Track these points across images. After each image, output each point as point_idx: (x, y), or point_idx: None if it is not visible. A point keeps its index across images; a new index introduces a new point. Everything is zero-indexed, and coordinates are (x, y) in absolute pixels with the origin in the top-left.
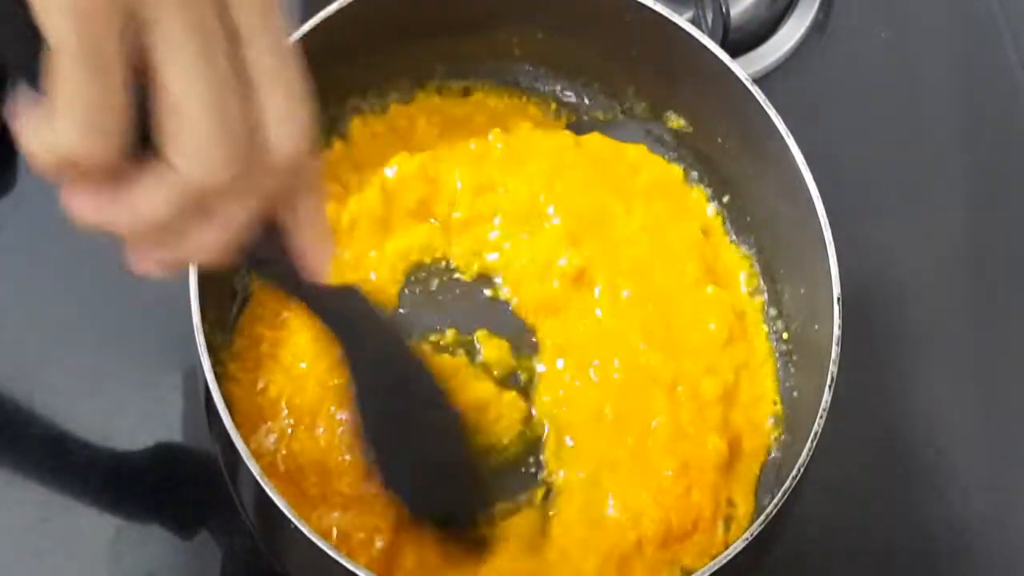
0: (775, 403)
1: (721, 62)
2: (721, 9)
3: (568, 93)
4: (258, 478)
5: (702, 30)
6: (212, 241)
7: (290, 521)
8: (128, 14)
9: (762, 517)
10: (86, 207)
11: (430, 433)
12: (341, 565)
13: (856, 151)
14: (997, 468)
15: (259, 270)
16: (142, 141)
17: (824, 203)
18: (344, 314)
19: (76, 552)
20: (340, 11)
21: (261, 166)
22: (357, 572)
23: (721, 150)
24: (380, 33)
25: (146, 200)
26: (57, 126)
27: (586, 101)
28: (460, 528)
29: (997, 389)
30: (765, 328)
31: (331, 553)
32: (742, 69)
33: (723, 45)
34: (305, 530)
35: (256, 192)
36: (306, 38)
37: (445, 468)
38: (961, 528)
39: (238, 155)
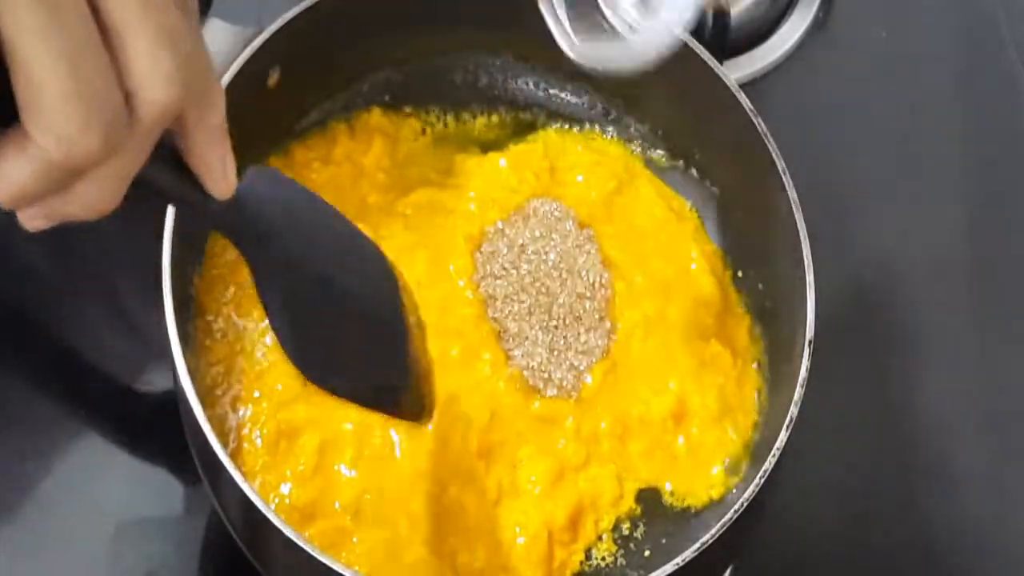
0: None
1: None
2: (721, 8)
3: (532, 88)
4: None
5: (703, 30)
6: (98, 197)
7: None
8: None
9: (731, 511)
10: None
11: (361, 321)
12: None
13: (855, 150)
14: (997, 468)
15: (158, 196)
16: (5, 112)
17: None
18: (259, 219)
19: (76, 551)
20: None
21: (133, 120)
22: (334, 567)
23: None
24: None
25: (13, 174)
26: None
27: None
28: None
29: (997, 389)
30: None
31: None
32: (742, 69)
33: (723, 44)
34: (290, 533)
35: (137, 143)
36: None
37: (376, 361)
38: (961, 528)
39: (100, 120)
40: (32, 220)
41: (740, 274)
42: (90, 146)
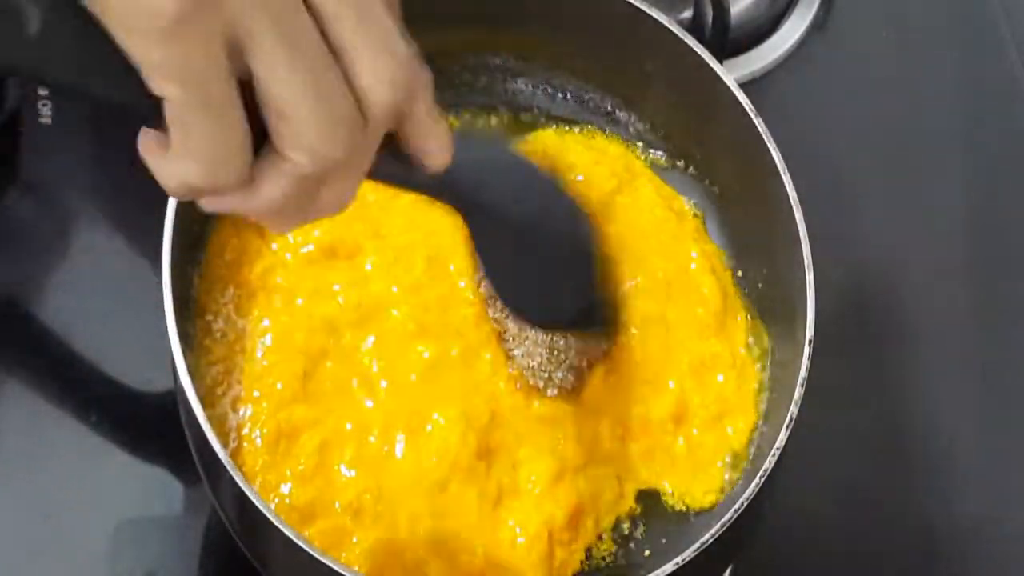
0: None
1: (710, 67)
2: (721, 8)
3: (532, 88)
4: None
5: (703, 29)
6: (338, 199)
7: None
8: (225, 43)
9: (731, 511)
10: (218, 207)
11: (559, 260)
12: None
13: (855, 150)
14: (997, 468)
15: (384, 182)
16: (257, 137)
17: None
18: (469, 186)
19: (75, 550)
20: None
21: (368, 126)
22: (334, 567)
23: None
24: None
25: (269, 191)
26: (182, 166)
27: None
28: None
29: (997, 388)
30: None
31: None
32: (742, 69)
33: (723, 44)
34: (287, 530)
35: (370, 143)
36: None
37: (574, 292)
38: (961, 528)
39: (346, 135)
40: (277, 227)
41: (740, 274)
42: (336, 154)
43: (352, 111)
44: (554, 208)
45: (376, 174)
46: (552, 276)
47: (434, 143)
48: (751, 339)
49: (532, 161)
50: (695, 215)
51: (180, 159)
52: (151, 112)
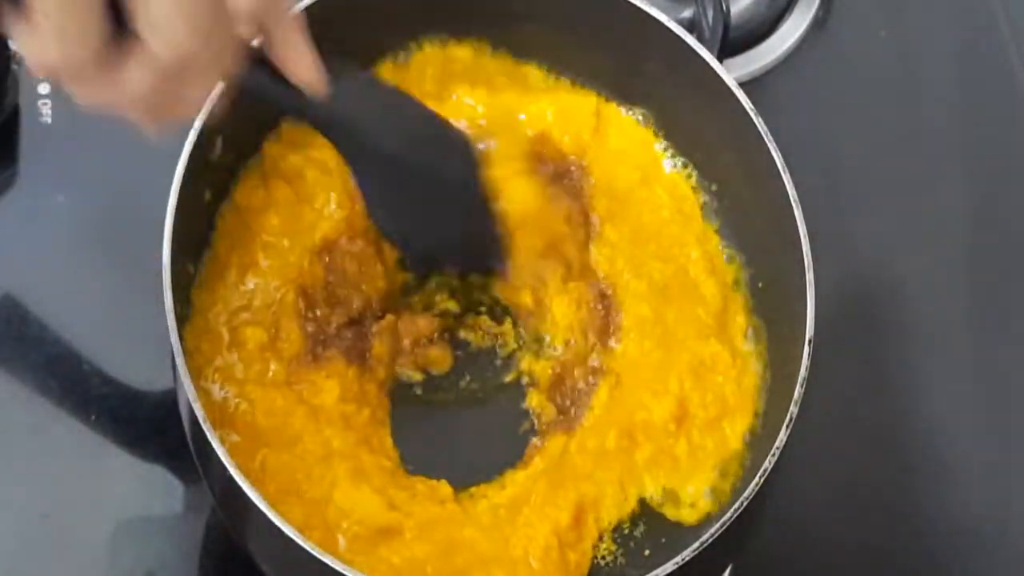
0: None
1: (712, 68)
2: (721, 7)
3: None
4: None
5: (703, 29)
6: (203, 92)
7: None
8: None
9: (731, 511)
10: (86, 94)
11: (447, 196)
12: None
13: (855, 149)
14: (997, 468)
15: (256, 99)
16: (118, 25)
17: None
18: (348, 112)
19: (75, 550)
20: None
21: (229, 20)
22: (334, 566)
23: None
24: None
25: (133, 79)
26: (41, 40)
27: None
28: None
29: (997, 388)
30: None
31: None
32: (742, 68)
33: (723, 43)
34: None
35: (230, 42)
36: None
37: (463, 227)
38: (961, 528)
39: (204, 22)
40: (150, 125)
41: (740, 273)
42: (193, 42)
43: (213, 5)
44: (438, 141)
45: (245, 82)
46: (440, 210)
47: (300, 61)
48: (750, 338)
49: (420, 103)
50: (699, 214)
51: (39, 34)
52: None
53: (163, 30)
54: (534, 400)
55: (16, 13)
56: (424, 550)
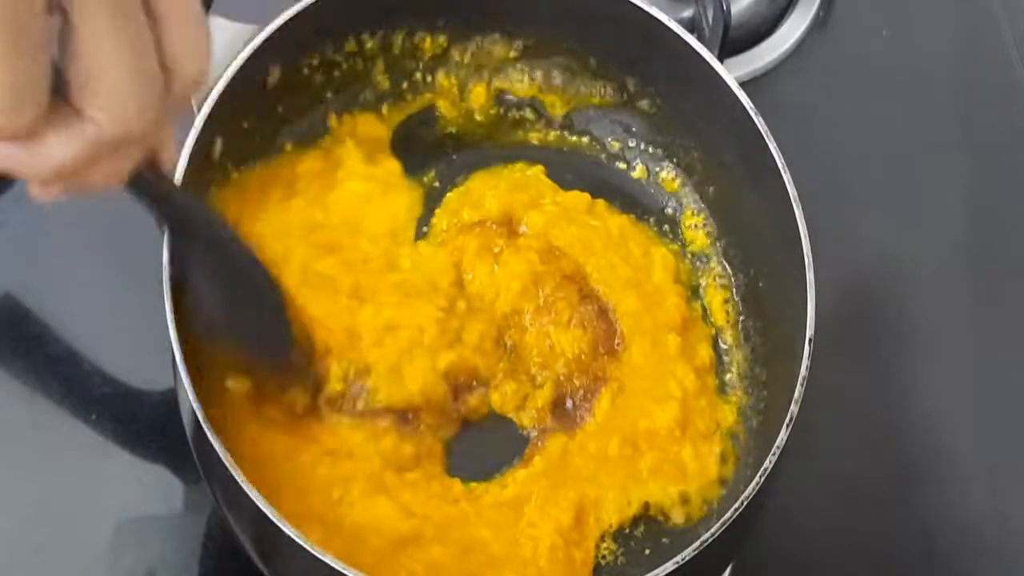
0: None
1: (711, 67)
2: (722, 7)
3: (536, 74)
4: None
5: (703, 29)
6: (115, 173)
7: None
8: None
9: (731, 511)
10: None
11: (256, 301)
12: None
13: (855, 149)
14: (997, 468)
15: (139, 189)
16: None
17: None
18: (193, 221)
19: (76, 550)
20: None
21: (170, 98)
22: (336, 567)
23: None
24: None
25: (59, 150)
26: None
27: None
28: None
29: (997, 389)
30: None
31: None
32: (742, 68)
33: (723, 43)
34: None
35: (164, 120)
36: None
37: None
38: (961, 528)
39: (153, 102)
40: (44, 193)
41: (740, 273)
42: (144, 123)
43: (159, 78)
44: (250, 252)
45: (138, 179)
46: (250, 307)
47: (173, 144)
48: (751, 340)
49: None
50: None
51: None
52: None
53: (113, 106)
54: (526, 420)
55: None
56: (441, 553)
